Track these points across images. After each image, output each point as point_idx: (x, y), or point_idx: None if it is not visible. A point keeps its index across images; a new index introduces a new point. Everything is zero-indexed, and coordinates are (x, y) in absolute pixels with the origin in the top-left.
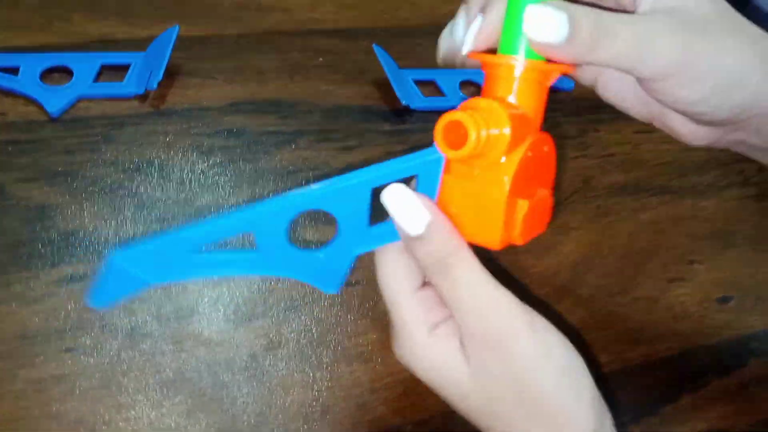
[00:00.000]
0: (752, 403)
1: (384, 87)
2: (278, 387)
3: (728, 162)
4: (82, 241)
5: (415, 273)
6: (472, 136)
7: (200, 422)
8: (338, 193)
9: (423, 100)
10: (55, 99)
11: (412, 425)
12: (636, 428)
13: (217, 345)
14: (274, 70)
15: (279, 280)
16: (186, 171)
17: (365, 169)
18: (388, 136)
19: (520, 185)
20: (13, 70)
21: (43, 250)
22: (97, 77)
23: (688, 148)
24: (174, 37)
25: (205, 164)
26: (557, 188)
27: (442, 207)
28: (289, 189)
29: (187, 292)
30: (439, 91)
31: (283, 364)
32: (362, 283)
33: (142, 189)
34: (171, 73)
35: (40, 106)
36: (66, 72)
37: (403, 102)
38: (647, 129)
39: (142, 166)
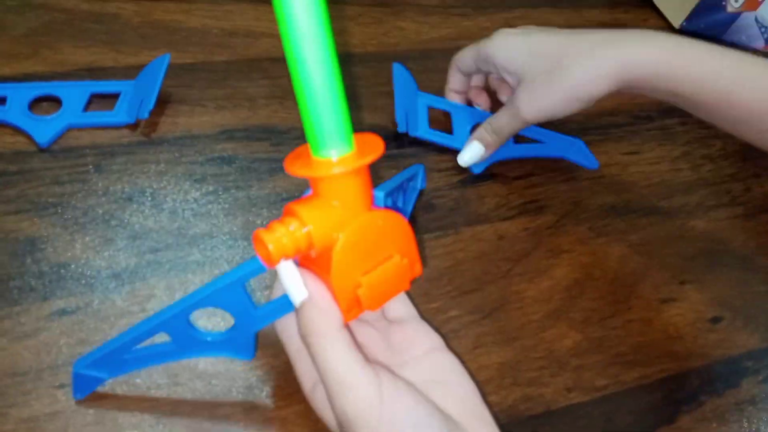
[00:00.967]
0: (748, 422)
1: (380, 111)
2: (276, 419)
3: (716, 182)
4: (74, 274)
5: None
6: (270, 248)
7: None
8: (215, 295)
9: (425, 131)
10: (44, 129)
11: None
12: None
13: (213, 377)
14: (265, 97)
15: None
16: (179, 200)
17: (231, 272)
18: (377, 162)
19: (352, 267)
20: (0, 100)
21: (33, 284)
22: (87, 106)
23: (675, 169)
24: (165, 64)
25: (198, 192)
26: (549, 210)
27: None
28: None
29: None
30: (449, 124)
31: (281, 395)
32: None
33: (134, 219)
34: (161, 101)
35: (29, 137)
36: (55, 101)
37: (400, 129)
38: (635, 150)
39: (134, 195)
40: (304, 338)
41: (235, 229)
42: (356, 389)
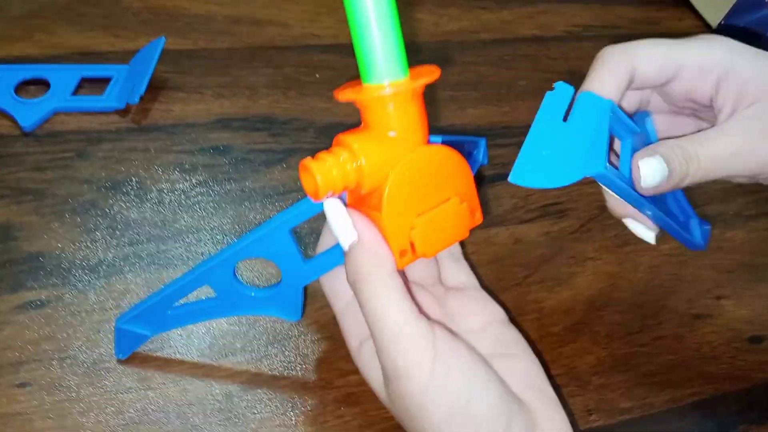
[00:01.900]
0: None
1: None
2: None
3: (756, 189)
4: (47, 264)
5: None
6: (318, 179)
7: None
8: (261, 241)
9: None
10: (29, 112)
11: None
12: None
13: (189, 383)
14: (267, 86)
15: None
16: (165, 190)
17: (279, 215)
18: None
19: (406, 205)
20: None
21: (3, 273)
22: (76, 90)
23: None
24: (159, 48)
25: (187, 183)
26: (573, 214)
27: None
28: (278, 210)
29: None
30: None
31: (263, 406)
32: None
33: (116, 209)
34: (156, 88)
35: (13, 120)
36: (43, 84)
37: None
38: None
39: (118, 184)
40: (352, 284)
41: (223, 223)
42: (408, 338)
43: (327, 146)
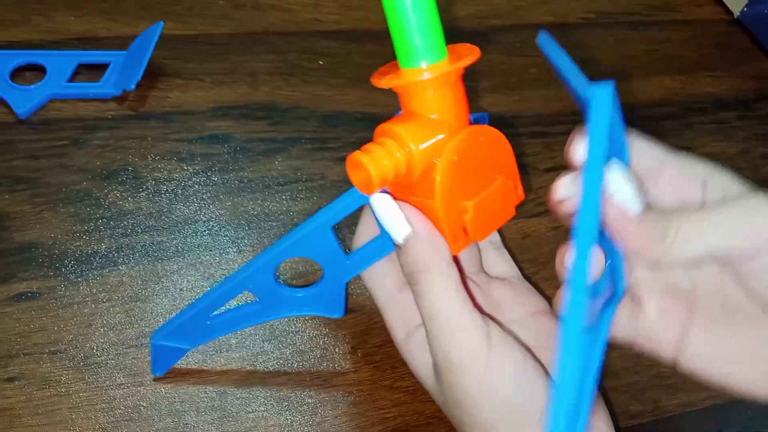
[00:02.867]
0: None
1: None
2: (251, 431)
3: None
4: (39, 255)
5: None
6: (371, 172)
7: None
8: (302, 241)
9: None
10: (24, 99)
11: None
12: None
13: (182, 379)
14: (268, 73)
15: None
16: (161, 180)
17: (319, 213)
18: None
19: (456, 190)
20: None
21: None
22: (73, 77)
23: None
24: (157, 33)
25: (184, 173)
26: None
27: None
28: (278, 202)
29: (150, 316)
30: None
31: (258, 404)
32: (354, 311)
33: (110, 199)
34: (154, 74)
35: (8, 107)
36: (39, 70)
37: None
38: (687, 146)
39: (113, 173)
40: (409, 276)
41: (221, 214)
42: (464, 332)
43: (329, 135)
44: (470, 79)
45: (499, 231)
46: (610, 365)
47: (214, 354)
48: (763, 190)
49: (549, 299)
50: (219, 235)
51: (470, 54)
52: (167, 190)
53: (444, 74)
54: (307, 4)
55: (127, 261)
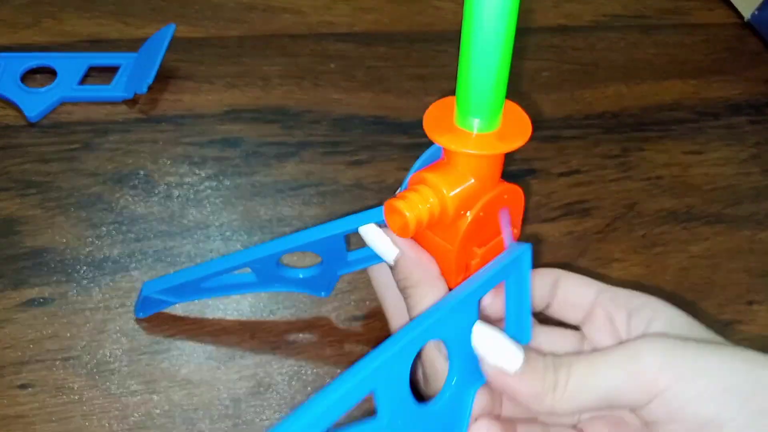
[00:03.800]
0: None
1: (406, 95)
2: None
3: None
4: (51, 260)
5: None
6: (411, 222)
7: None
8: (313, 244)
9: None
10: (35, 102)
11: None
12: None
13: (195, 386)
14: (280, 76)
15: (269, 313)
16: (173, 184)
17: (337, 222)
18: (403, 150)
19: (473, 239)
20: None
21: (5, 269)
22: (83, 79)
23: (744, 173)
24: (169, 36)
25: (196, 177)
26: (598, 213)
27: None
28: (290, 206)
29: (164, 323)
30: None
31: (272, 411)
32: (367, 317)
33: (122, 203)
34: (165, 77)
35: (19, 110)
36: (50, 73)
37: None
38: (699, 150)
39: (125, 177)
40: (403, 291)
41: (233, 219)
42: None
43: (341, 139)
44: None
45: None
46: None
47: (227, 361)
48: (686, 322)
49: None
50: (231, 240)
51: (522, 133)
52: (179, 195)
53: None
54: (318, 6)
55: (139, 266)
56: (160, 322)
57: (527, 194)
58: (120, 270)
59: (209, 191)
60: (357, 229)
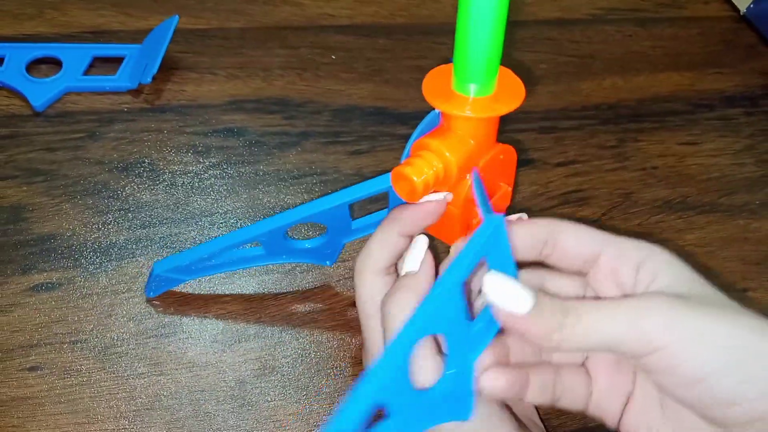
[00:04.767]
0: None
1: (405, 86)
2: (269, 420)
3: None
4: (58, 246)
5: None
6: (419, 187)
7: None
8: (319, 215)
9: None
10: (41, 92)
11: None
12: None
13: (201, 368)
14: (281, 67)
15: (274, 297)
16: (178, 172)
17: (343, 192)
18: (402, 140)
19: (473, 198)
20: None
21: (13, 255)
22: (88, 70)
23: (738, 163)
24: (173, 27)
25: (200, 165)
26: (595, 202)
27: None
28: (292, 194)
29: (170, 306)
30: None
31: (276, 393)
32: None
33: (128, 191)
34: (168, 68)
35: (24, 99)
36: (55, 63)
37: None
38: (694, 141)
39: (130, 165)
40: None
41: (237, 206)
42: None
43: (341, 129)
44: None
45: None
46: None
47: (233, 344)
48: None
49: None
50: (236, 227)
51: (516, 96)
52: (184, 183)
53: (494, 116)
54: None
55: (145, 252)
56: (166, 306)
57: (525, 184)
58: (126, 256)
59: (213, 179)
60: (360, 197)
